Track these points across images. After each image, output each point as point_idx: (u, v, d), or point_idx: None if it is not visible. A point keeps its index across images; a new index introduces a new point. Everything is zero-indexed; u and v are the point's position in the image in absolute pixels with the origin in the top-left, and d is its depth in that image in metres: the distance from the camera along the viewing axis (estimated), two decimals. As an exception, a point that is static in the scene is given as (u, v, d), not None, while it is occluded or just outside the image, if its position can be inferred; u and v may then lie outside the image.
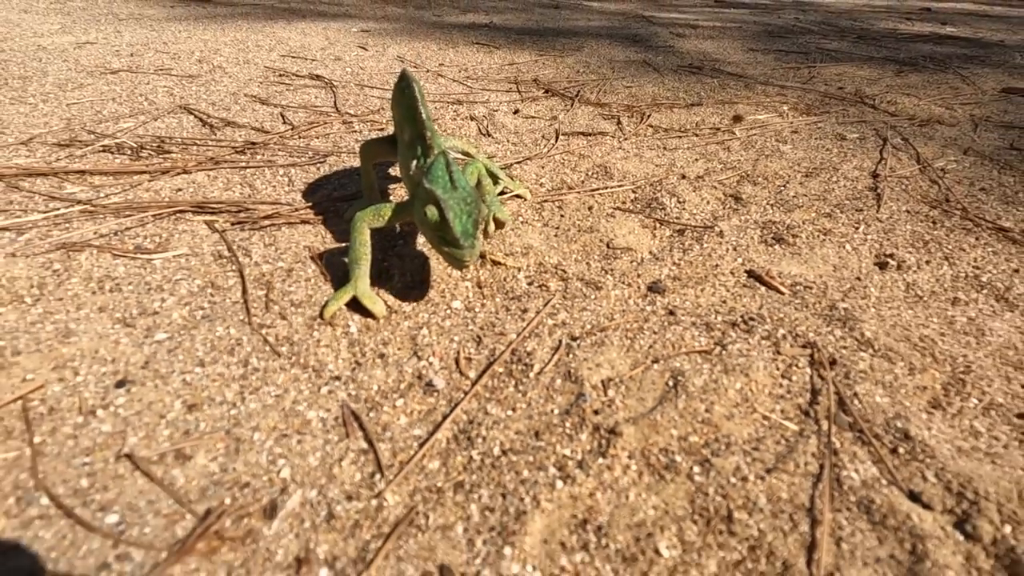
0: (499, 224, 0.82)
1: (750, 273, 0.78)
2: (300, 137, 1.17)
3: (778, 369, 0.62)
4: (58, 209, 0.84)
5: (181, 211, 0.86)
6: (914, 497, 0.49)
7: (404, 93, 0.76)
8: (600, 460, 0.50)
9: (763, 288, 0.75)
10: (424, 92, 0.83)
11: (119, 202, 0.87)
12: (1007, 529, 0.46)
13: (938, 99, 1.54)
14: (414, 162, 0.73)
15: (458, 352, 0.62)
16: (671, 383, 0.59)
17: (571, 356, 0.62)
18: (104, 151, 1.04)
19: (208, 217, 0.85)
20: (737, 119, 1.31)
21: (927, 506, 0.48)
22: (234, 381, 0.57)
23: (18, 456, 0.48)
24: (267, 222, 0.85)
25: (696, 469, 0.50)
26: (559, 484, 0.48)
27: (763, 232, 0.88)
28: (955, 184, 1.06)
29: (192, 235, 0.81)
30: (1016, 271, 0.80)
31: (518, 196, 0.96)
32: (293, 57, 1.74)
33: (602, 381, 0.59)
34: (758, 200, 0.98)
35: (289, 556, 0.42)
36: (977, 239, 0.88)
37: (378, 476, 0.48)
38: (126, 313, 0.65)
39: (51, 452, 0.49)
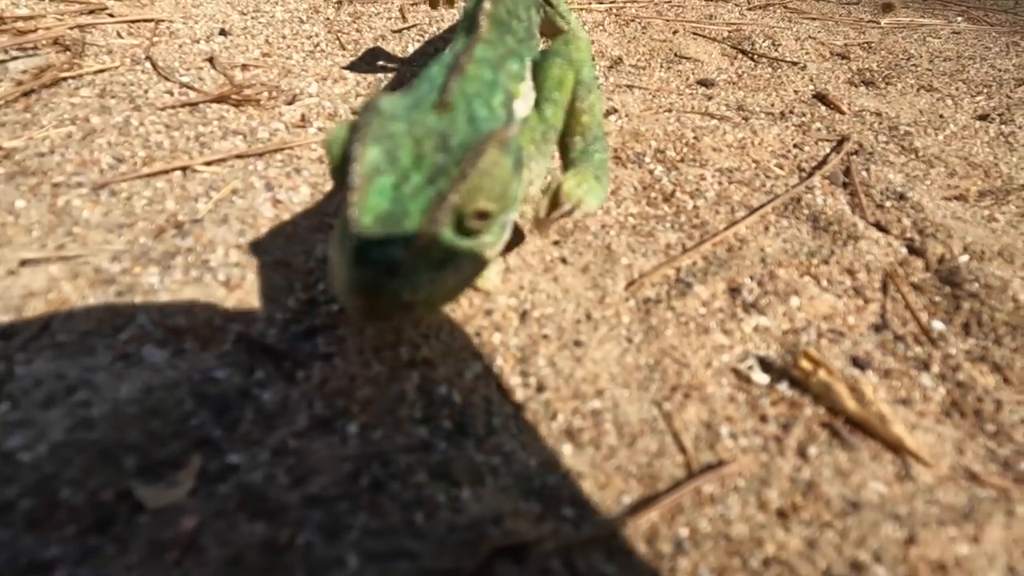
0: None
1: (817, 95, 0.77)
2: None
3: (792, 139, 0.63)
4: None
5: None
6: (876, 225, 0.50)
7: None
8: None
9: (824, 107, 0.74)
10: None
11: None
12: (963, 258, 0.45)
13: None
14: None
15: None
16: (674, 121, 0.64)
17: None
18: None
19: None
20: (887, 8, 1.22)
21: (884, 230, 0.49)
22: (303, 51, 0.72)
23: (141, 43, 0.67)
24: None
25: (659, 168, 0.55)
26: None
27: (853, 76, 0.85)
28: None
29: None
30: None
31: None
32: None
33: (608, 109, 0.65)
34: (866, 61, 0.94)
35: (294, 118, 0.55)
36: None
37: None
38: (246, 7, 0.83)
39: (163, 50, 0.67)
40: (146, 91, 0.57)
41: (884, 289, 0.42)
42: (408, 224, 0.25)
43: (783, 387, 0.33)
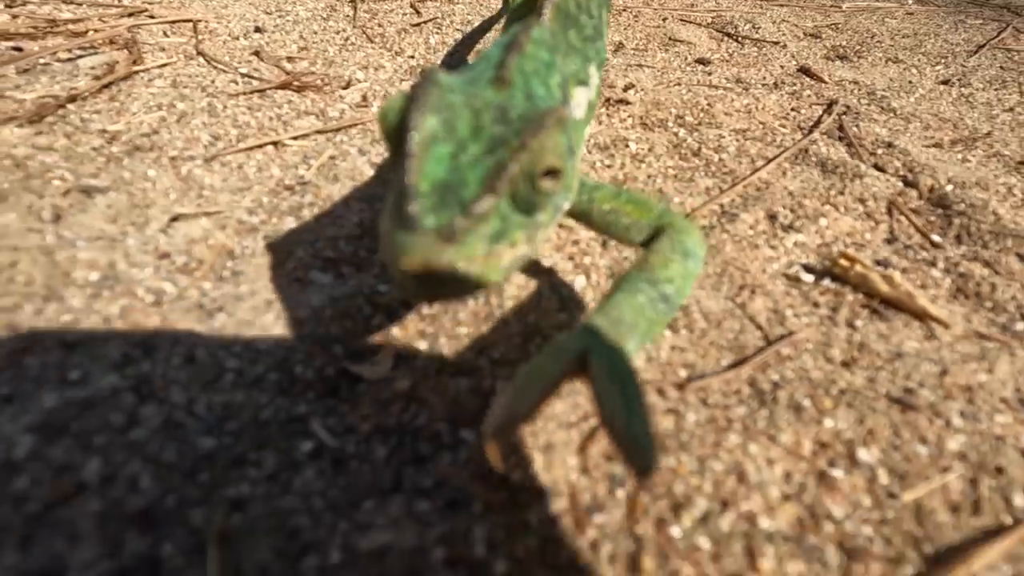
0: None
1: (801, 69, 0.87)
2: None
3: (789, 104, 0.72)
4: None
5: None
6: (874, 167, 0.59)
7: None
8: (608, 116, 0.65)
9: (808, 79, 0.84)
10: None
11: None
12: (948, 187, 0.54)
13: (1106, 18, 1.44)
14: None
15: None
16: (685, 92, 0.72)
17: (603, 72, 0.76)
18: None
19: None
20: (848, -7, 1.34)
21: (881, 169, 0.58)
22: (336, 44, 0.78)
23: (187, 40, 0.71)
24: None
25: (682, 131, 0.63)
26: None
27: (829, 52, 0.96)
28: (1074, 61, 1.04)
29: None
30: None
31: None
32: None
33: (624, 86, 0.73)
34: (836, 39, 1.04)
35: (355, 99, 0.61)
36: (1066, 86, 0.89)
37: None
38: (268, 7, 0.88)
39: (209, 47, 0.72)
40: (212, 81, 0.62)
41: (889, 212, 0.51)
42: (466, 193, 0.24)
43: (826, 282, 0.41)
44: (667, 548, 0.25)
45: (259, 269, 0.37)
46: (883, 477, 0.29)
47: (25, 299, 0.34)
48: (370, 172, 0.48)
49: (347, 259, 0.38)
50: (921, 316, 0.38)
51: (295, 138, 0.53)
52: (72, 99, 0.54)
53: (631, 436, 0.22)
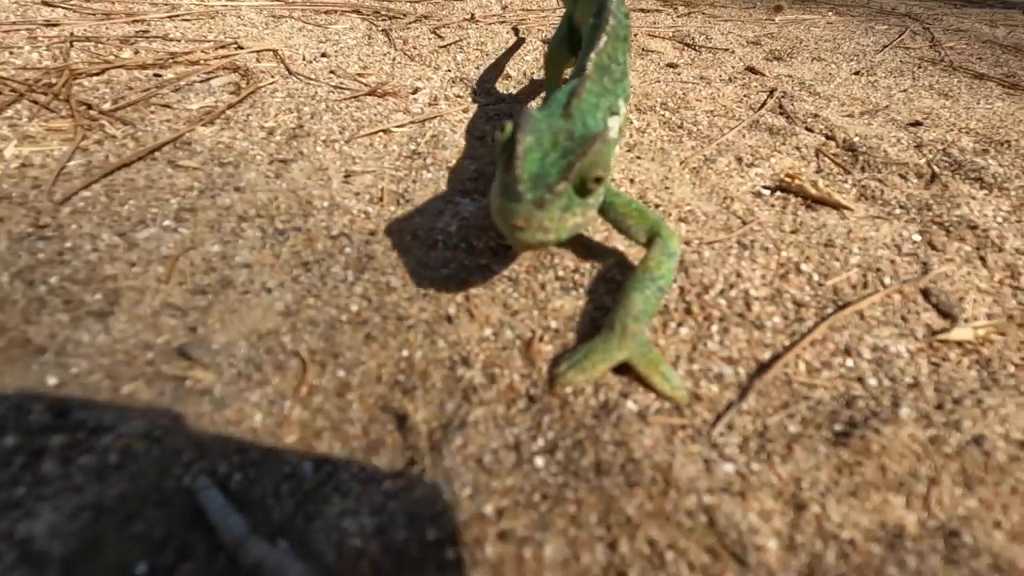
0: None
1: (747, 68, 1.12)
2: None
3: (742, 92, 0.97)
4: (272, 5, 1.30)
5: (342, 11, 1.30)
6: (805, 129, 0.83)
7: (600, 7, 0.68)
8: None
9: (754, 75, 1.09)
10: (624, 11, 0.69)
11: (301, 1, 1.33)
12: (856, 139, 0.78)
13: (986, 20, 1.77)
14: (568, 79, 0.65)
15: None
16: (665, 87, 0.95)
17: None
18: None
19: (358, 15, 1.29)
20: (778, 9, 1.63)
21: (810, 130, 0.82)
22: (389, 62, 0.99)
23: (276, 65, 0.91)
24: (397, 17, 1.27)
25: (667, 113, 0.86)
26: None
27: (768, 54, 1.22)
28: (956, 54, 1.34)
29: (349, 19, 1.24)
30: (967, 86, 1.09)
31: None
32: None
33: (619, 84, 0.96)
34: (773, 45, 1.31)
35: (424, 100, 0.82)
36: (945, 74, 1.17)
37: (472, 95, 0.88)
38: (320, 38, 1.08)
39: (295, 68, 0.91)
40: (315, 92, 0.82)
41: (817, 155, 0.74)
42: (549, 180, 0.40)
43: (778, 194, 0.64)
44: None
45: (422, 198, 0.57)
46: (815, 275, 0.51)
47: (298, 217, 0.53)
48: (463, 143, 0.69)
49: (475, 190, 0.59)
50: (837, 207, 0.61)
51: (399, 126, 0.74)
52: (229, 106, 0.73)
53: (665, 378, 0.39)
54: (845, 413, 0.38)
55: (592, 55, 0.57)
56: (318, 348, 0.39)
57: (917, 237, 0.57)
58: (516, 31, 1.25)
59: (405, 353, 0.40)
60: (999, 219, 0.61)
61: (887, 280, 0.51)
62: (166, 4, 1.21)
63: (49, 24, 1.00)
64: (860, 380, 0.41)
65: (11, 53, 0.86)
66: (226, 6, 1.21)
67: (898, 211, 0.63)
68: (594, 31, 0.62)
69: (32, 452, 0.32)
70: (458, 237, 0.52)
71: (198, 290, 0.44)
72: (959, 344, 0.45)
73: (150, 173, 0.59)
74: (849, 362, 0.42)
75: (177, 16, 1.12)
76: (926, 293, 0.50)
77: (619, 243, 0.54)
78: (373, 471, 0.33)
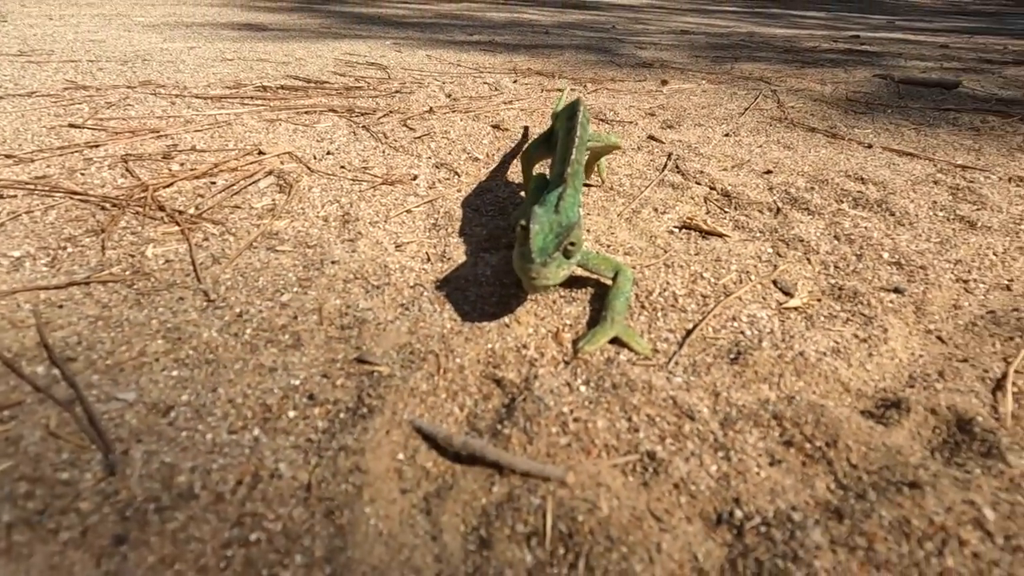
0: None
1: (649, 137, 1.50)
2: (373, 89, 1.91)
3: (648, 156, 1.33)
4: (260, 111, 1.56)
5: (320, 111, 1.58)
6: (695, 183, 1.18)
7: (570, 119, 1.00)
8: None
9: (655, 142, 1.47)
10: (587, 123, 1.04)
11: (283, 106, 1.59)
12: (730, 188, 1.15)
13: (817, 80, 2.31)
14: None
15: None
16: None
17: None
18: (258, 89, 1.77)
19: (335, 113, 1.57)
20: (664, 83, 2.07)
21: (699, 184, 1.18)
22: (381, 155, 1.28)
23: (298, 165, 1.17)
24: (368, 114, 1.56)
25: (595, 178, 1.20)
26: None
27: (662, 124, 1.62)
28: (795, 113, 1.80)
29: (330, 118, 1.52)
30: (802, 139, 1.52)
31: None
32: (350, 55, 2.52)
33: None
34: (665, 116, 1.72)
35: (424, 184, 1.11)
36: (788, 130, 1.61)
37: (457, 181, 1.18)
38: (315, 137, 1.35)
39: (315, 165, 1.18)
40: (341, 184, 1.09)
41: (705, 201, 1.10)
42: (549, 250, 0.67)
43: (684, 230, 0.97)
44: (651, 303, 0.77)
45: (458, 256, 0.85)
46: (711, 278, 0.83)
47: (383, 276, 0.80)
48: (468, 215, 0.98)
49: (492, 248, 0.88)
50: (721, 236, 0.96)
51: (416, 207, 1.02)
52: (285, 203, 0.99)
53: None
54: (735, 349, 0.69)
55: (569, 168, 0.84)
56: (439, 348, 0.66)
57: (769, 250, 0.92)
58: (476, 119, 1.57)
59: (489, 346, 0.67)
60: (817, 234, 0.98)
61: (752, 277, 0.84)
62: (173, 117, 1.44)
63: (90, 145, 1.21)
64: (742, 333, 0.73)
65: (82, 175, 1.07)
66: (228, 115, 1.46)
67: (758, 235, 0.98)
68: (567, 141, 0.91)
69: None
70: (493, 279, 0.80)
71: (345, 327, 0.69)
72: (795, 309, 0.78)
73: (259, 258, 0.84)
74: (734, 324, 0.74)
75: (192, 128, 1.35)
76: (775, 282, 0.84)
77: (595, 278, 0.85)
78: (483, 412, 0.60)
